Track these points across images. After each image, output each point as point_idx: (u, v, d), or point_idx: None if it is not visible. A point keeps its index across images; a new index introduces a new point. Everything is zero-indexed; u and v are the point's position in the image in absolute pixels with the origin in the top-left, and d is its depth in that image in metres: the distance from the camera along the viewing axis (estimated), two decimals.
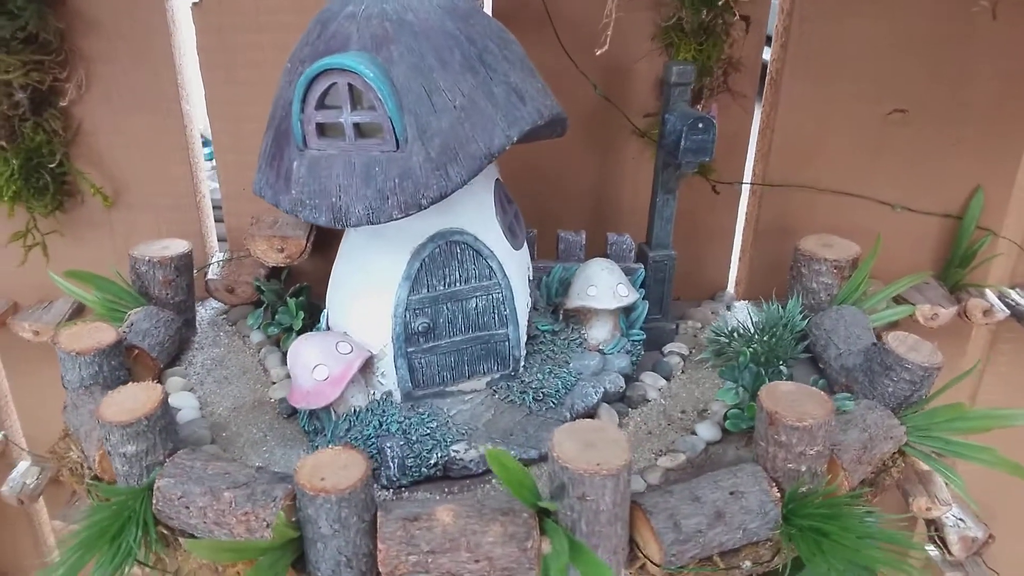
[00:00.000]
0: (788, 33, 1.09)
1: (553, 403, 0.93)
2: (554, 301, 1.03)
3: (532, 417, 0.92)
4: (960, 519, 1.35)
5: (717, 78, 1.09)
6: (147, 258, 1.04)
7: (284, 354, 1.00)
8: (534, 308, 1.00)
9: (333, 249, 0.94)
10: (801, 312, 1.04)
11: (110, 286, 1.05)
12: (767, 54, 1.13)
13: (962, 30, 1.08)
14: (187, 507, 0.77)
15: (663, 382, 1.02)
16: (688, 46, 1.04)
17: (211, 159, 1.20)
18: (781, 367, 0.97)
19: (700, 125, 0.93)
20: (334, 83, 0.74)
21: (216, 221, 1.26)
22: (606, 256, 1.04)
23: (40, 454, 1.29)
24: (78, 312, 1.20)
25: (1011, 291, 1.22)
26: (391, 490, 0.86)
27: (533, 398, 0.93)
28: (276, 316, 1.08)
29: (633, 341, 1.02)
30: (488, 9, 1.09)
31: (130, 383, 0.84)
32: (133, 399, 0.81)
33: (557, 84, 1.07)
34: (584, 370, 0.97)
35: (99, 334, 0.93)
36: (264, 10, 1.06)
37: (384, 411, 0.89)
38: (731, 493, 0.76)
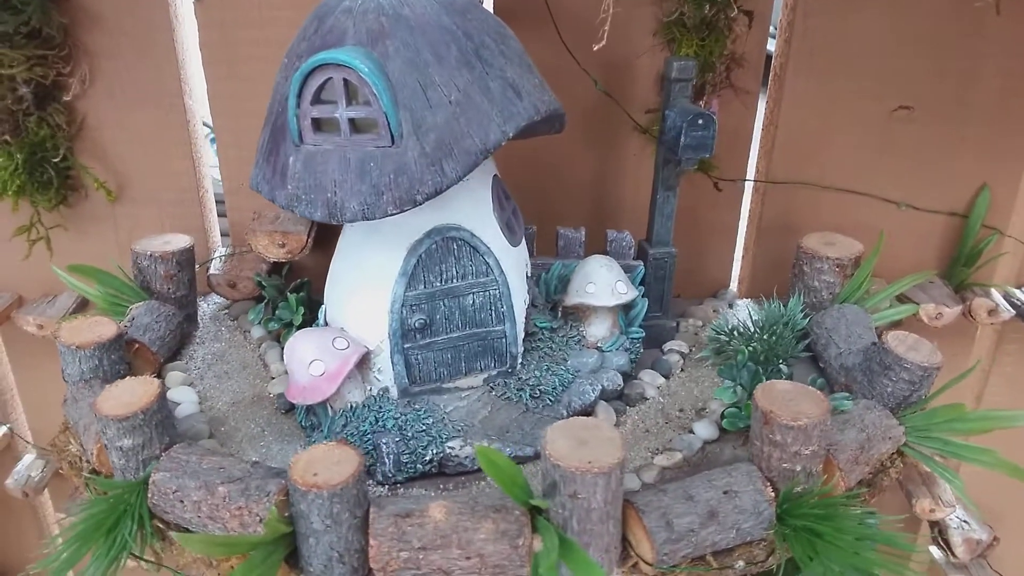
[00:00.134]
0: (792, 29, 1.09)
1: (550, 400, 0.93)
2: (553, 298, 1.02)
3: (528, 414, 0.91)
4: (964, 521, 1.34)
5: (720, 74, 1.08)
6: (149, 253, 1.04)
7: (284, 349, 1.00)
8: (533, 305, 1.00)
9: (334, 244, 0.94)
10: (802, 311, 1.03)
11: (112, 280, 1.06)
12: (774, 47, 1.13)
13: (968, 26, 1.07)
14: (182, 501, 0.77)
15: (662, 380, 1.02)
16: (690, 41, 1.04)
17: (214, 143, 1.20)
18: (781, 366, 0.96)
19: (700, 121, 0.93)
20: (329, 78, 0.74)
21: (220, 216, 1.26)
22: (606, 253, 1.03)
23: (45, 447, 1.29)
24: (82, 306, 1.21)
25: (1016, 291, 1.21)
26: (387, 486, 0.86)
27: (530, 395, 0.92)
28: (276, 311, 1.09)
29: (632, 339, 1.02)
30: (490, 4, 1.09)
31: (128, 377, 0.84)
32: (130, 393, 0.81)
33: (558, 80, 1.06)
34: (582, 367, 0.97)
35: (99, 328, 0.93)
36: (266, 5, 1.06)
37: (380, 407, 0.89)
38: (725, 492, 0.76)
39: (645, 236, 1.08)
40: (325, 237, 1.11)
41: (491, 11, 1.07)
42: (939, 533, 1.35)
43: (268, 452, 0.91)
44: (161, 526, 0.80)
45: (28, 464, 1.32)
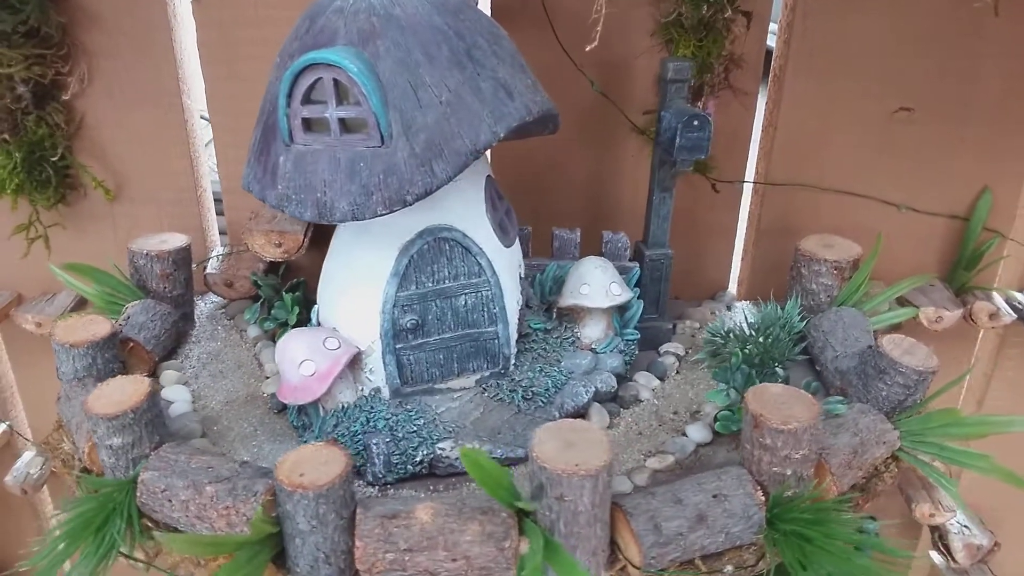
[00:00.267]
0: (791, 29, 1.08)
1: (542, 402, 0.92)
2: (548, 299, 1.02)
3: (521, 416, 0.91)
4: (965, 526, 1.33)
5: (718, 75, 1.08)
6: (145, 252, 1.04)
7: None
8: (527, 306, 1.00)
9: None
10: (800, 313, 1.03)
11: (108, 279, 1.06)
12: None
13: (969, 27, 1.06)
14: (170, 500, 0.78)
15: (657, 382, 1.01)
16: (688, 42, 1.03)
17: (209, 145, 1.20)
18: (777, 369, 0.96)
19: (695, 122, 0.92)
20: (319, 78, 0.74)
21: (219, 215, 1.26)
22: (601, 255, 1.03)
23: (43, 444, 1.30)
24: (81, 305, 1.21)
25: (1018, 294, 1.20)
26: (377, 487, 0.86)
27: (522, 397, 0.92)
28: (272, 311, 1.09)
29: (627, 340, 1.01)
30: (488, 4, 1.08)
31: (119, 376, 0.84)
32: (121, 392, 0.81)
33: (556, 81, 1.06)
34: (576, 369, 0.96)
35: (93, 327, 0.93)
36: (263, 5, 1.06)
37: (372, 407, 0.89)
38: (714, 496, 0.75)
39: (642, 238, 1.07)
40: (321, 237, 1.11)
41: (488, 11, 1.07)
42: (939, 538, 1.34)
43: (260, 452, 0.91)
44: (150, 525, 0.80)
45: (27, 461, 1.32)
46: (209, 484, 0.77)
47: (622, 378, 0.99)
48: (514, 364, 0.95)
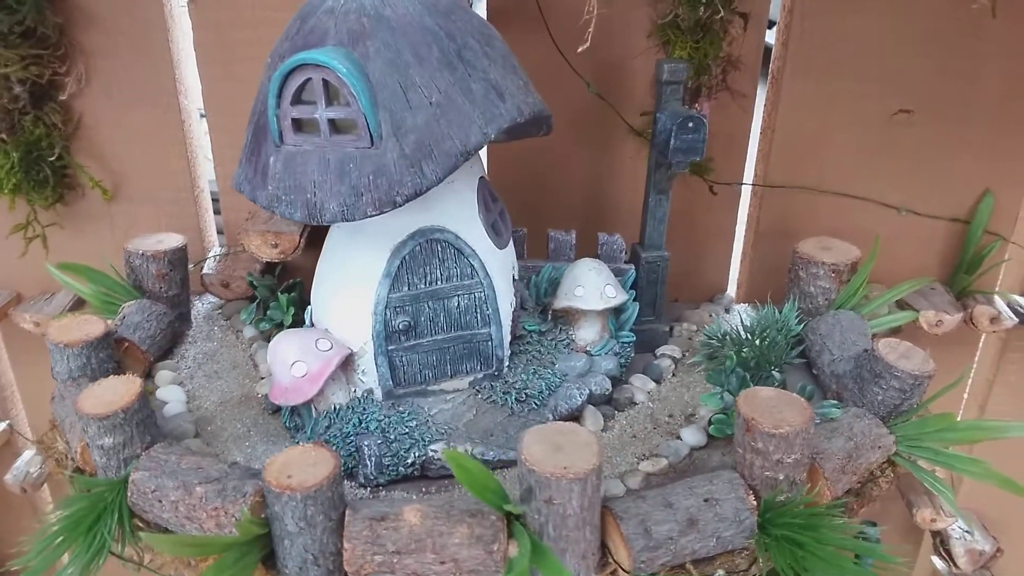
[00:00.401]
0: (789, 30, 1.07)
1: (536, 404, 0.92)
2: (543, 301, 1.01)
3: (514, 418, 0.91)
4: (967, 531, 1.32)
5: (715, 76, 1.07)
6: (141, 252, 1.05)
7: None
8: (522, 308, 0.99)
9: None
10: (797, 316, 1.02)
11: (104, 279, 1.06)
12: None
13: (969, 27, 1.05)
14: (160, 501, 0.77)
15: (652, 385, 1.01)
16: (684, 44, 1.03)
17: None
18: (774, 372, 0.95)
19: (690, 124, 0.92)
20: (309, 78, 0.74)
21: (217, 214, 1.26)
22: (597, 257, 1.02)
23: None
24: (79, 305, 1.21)
25: (1020, 298, 1.18)
26: (368, 488, 0.86)
27: (516, 399, 0.92)
28: (268, 312, 1.08)
29: (622, 343, 1.01)
30: (484, 5, 1.08)
31: (111, 376, 0.84)
32: (112, 392, 0.81)
33: (554, 82, 1.06)
34: (570, 371, 0.96)
35: (88, 326, 0.93)
36: (260, 6, 1.06)
37: (364, 409, 0.89)
38: (705, 500, 0.75)
39: (639, 240, 1.07)
40: (318, 238, 1.10)
41: (484, 13, 1.07)
42: (941, 543, 1.33)
43: (253, 452, 0.91)
44: (141, 525, 0.80)
45: (27, 460, 1.32)
46: (199, 485, 0.77)
47: (617, 381, 0.99)
48: (508, 366, 0.94)
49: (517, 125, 0.82)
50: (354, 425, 0.87)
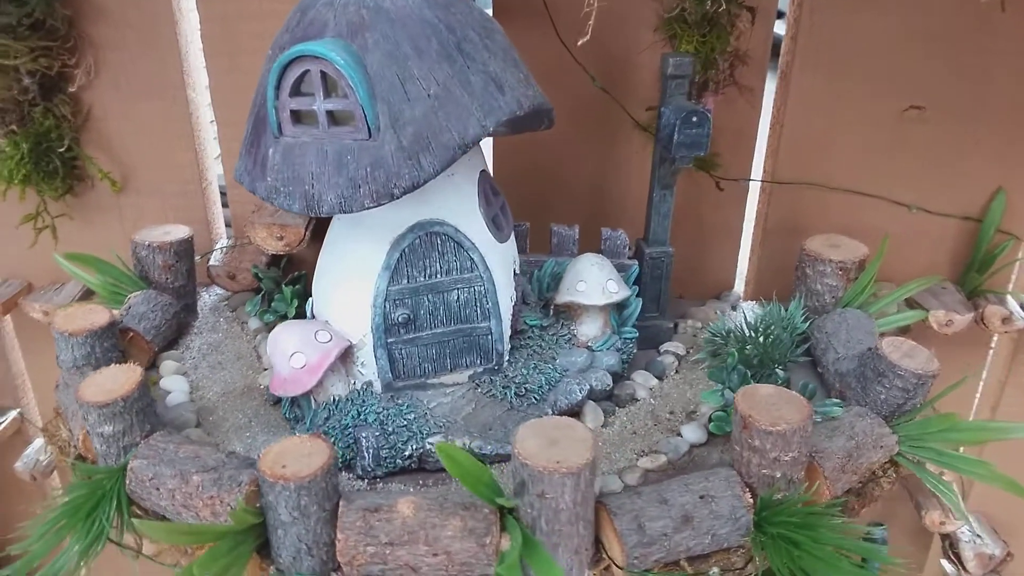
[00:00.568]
0: (798, 25, 1.06)
1: (535, 399, 0.92)
2: (545, 296, 1.01)
3: (513, 412, 0.90)
4: (977, 535, 1.30)
5: (723, 71, 1.06)
6: (147, 243, 1.05)
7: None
8: (524, 302, 0.99)
9: None
10: (804, 314, 1.01)
11: (111, 269, 1.07)
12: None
13: (983, 24, 1.03)
14: (157, 489, 0.78)
15: (655, 381, 1.00)
16: (691, 37, 1.02)
17: None
18: (778, 370, 0.94)
19: (694, 119, 0.91)
20: (307, 70, 0.74)
21: (224, 207, 1.27)
22: (600, 252, 1.02)
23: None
24: (88, 295, 1.22)
25: None
26: (366, 480, 0.86)
27: (515, 393, 0.91)
28: (272, 303, 1.09)
29: (625, 339, 1.00)
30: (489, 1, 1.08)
31: (113, 364, 0.85)
32: (112, 380, 0.82)
33: (560, 76, 1.06)
34: (571, 366, 0.95)
35: (93, 316, 0.94)
36: None
37: (363, 401, 0.89)
38: (701, 497, 0.74)
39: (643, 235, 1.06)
40: (323, 230, 1.10)
41: (491, 6, 1.07)
42: (950, 546, 1.32)
43: (253, 443, 0.91)
44: (139, 513, 0.81)
45: (37, 448, 1.34)
46: (196, 473, 0.77)
47: (619, 377, 0.98)
48: (508, 360, 0.94)
49: (517, 118, 0.81)
50: (353, 417, 0.87)
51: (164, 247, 1.06)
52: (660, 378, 1.01)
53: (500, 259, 0.90)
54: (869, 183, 1.14)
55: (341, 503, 0.73)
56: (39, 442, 1.35)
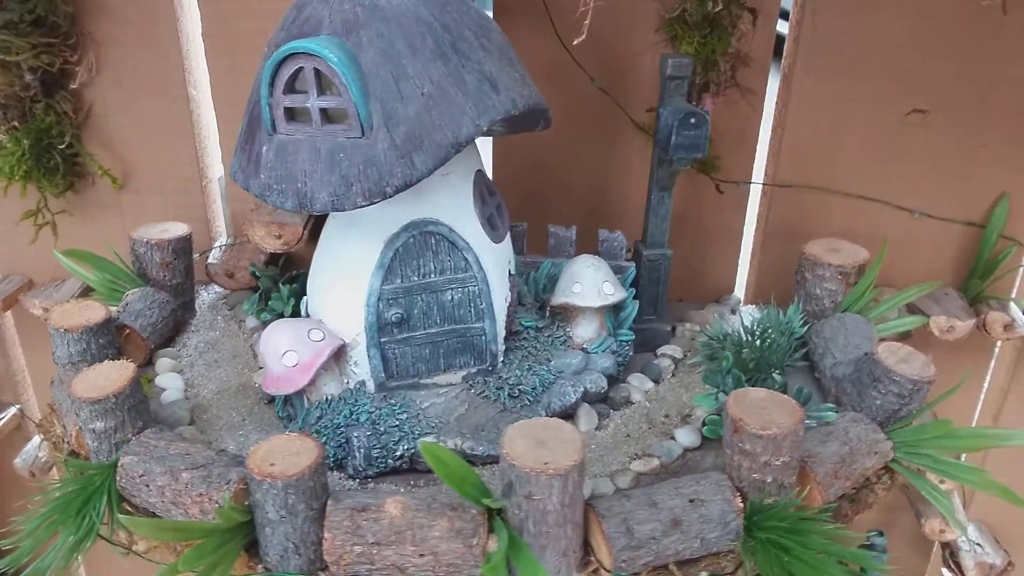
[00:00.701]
0: (800, 26, 1.05)
1: (529, 400, 0.91)
2: (542, 297, 1.01)
3: (506, 414, 0.90)
4: (977, 544, 1.29)
5: (724, 73, 1.06)
6: (145, 240, 1.05)
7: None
8: (520, 303, 0.99)
9: None
10: (802, 318, 1.00)
11: (109, 266, 1.07)
12: None
13: (987, 27, 1.03)
14: (147, 485, 0.78)
15: (651, 385, 1.00)
16: (691, 39, 1.01)
17: None
18: (775, 375, 0.93)
19: (692, 120, 0.90)
20: (301, 67, 0.74)
21: None
22: (597, 253, 1.01)
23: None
24: (88, 291, 1.22)
25: None
26: (357, 480, 0.86)
27: (509, 394, 0.91)
28: (269, 302, 1.09)
29: (621, 341, 1.00)
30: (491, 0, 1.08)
31: (106, 361, 0.85)
32: (105, 377, 0.82)
33: (562, 77, 1.06)
34: (565, 368, 0.95)
35: (88, 312, 0.94)
36: None
37: (356, 400, 0.88)
38: (691, 501, 0.74)
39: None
40: (322, 229, 1.11)
41: (492, 6, 1.07)
42: (950, 555, 1.30)
43: (246, 441, 0.91)
44: (130, 510, 0.81)
45: (36, 444, 1.34)
46: (185, 471, 0.77)
47: (614, 379, 0.98)
48: (503, 361, 0.94)
49: (513, 118, 0.81)
50: (345, 416, 0.87)
51: (162, 244, 1.06)
52: (656, 381, 1.00)
53: (495, 259, 0.89)
54: (871, 187, 1.13)
55: (329, 502, 0.73)
56: (38, 438, 1.36)
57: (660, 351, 1.06)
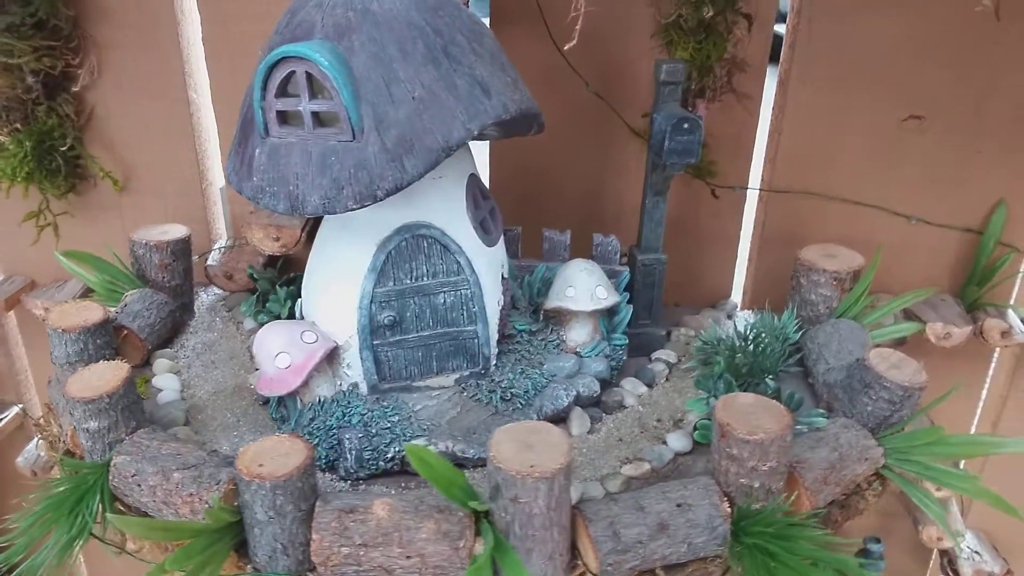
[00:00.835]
0: (796, 32, 1.05)
1: (521, 404, 0.91)
2: (536, 301, 1.01)
3: (498, 417, 0.90)
4: (976, 552, 1.28)
5: (720, 78, 1.06)
6: (144, 242, 1.06)
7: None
8: (514, 307, 0.99)
9: None
10: (797, 324, 1.00)
11: (108, 268, 1.08)
12: None
13: (983, 34, 1.02)
14: (139, 485, 0.79)
15: (644, 389, 1.00)
16: (686, 44, 1.01)
17: None
18: (768, 380, 0.93)
19: (685, 125, 0.91)
20: (293, 71, 0.75)
21: None
22: (592, 258, 1.02)
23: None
24: (89, 292, 1.24)
25: None
26: (349, 482, 0.86)
27: (501, 398, 0.91)
28: (267, 304, 1.10)
29: (614, 345, 1.00)
30: (486, 5, 1.08)
31: (101, 361, 0.86)
32: (99, 377, 0.83)
33: (559, 82, 1.06)
34: (558, 372, 0.95)
35: (86, 313, 0.95)
36: (268, 1, 1.07)
37: (349, 403, 0.89)
38: (678, 505, 0.74)
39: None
40: None
41: (488, 11, 1.07)
42: (948, 563, 1.30)
43: (240, 442, 0.91)
44: (122, 509, 0.82)
45: (38, 444, 1.35)
46: (176, 471, 0.78)
47: (607, 383, 0.98)
48: (496, 365, 0.94)
49: (505, 122, 0.82)
50: (337, 418, 0.87)
51: (161, 246, 1.06)
52: (650, 386, 1.00)
53: (487, 263, 0.90)
54: (868, 193, 1.13)
55: (318, 503, 0.73)
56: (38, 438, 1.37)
57: (655, 355, 1.06)
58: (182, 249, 1.09)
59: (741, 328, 0.95)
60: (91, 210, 1.21)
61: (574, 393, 0.93)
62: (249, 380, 1.01)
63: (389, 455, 0.85)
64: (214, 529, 0.73)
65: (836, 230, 1.14)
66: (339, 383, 0.91)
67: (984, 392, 1.28)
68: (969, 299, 1.15)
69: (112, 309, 1.02)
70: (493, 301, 0.91)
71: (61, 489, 0.81)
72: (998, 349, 1.24)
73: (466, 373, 0.93)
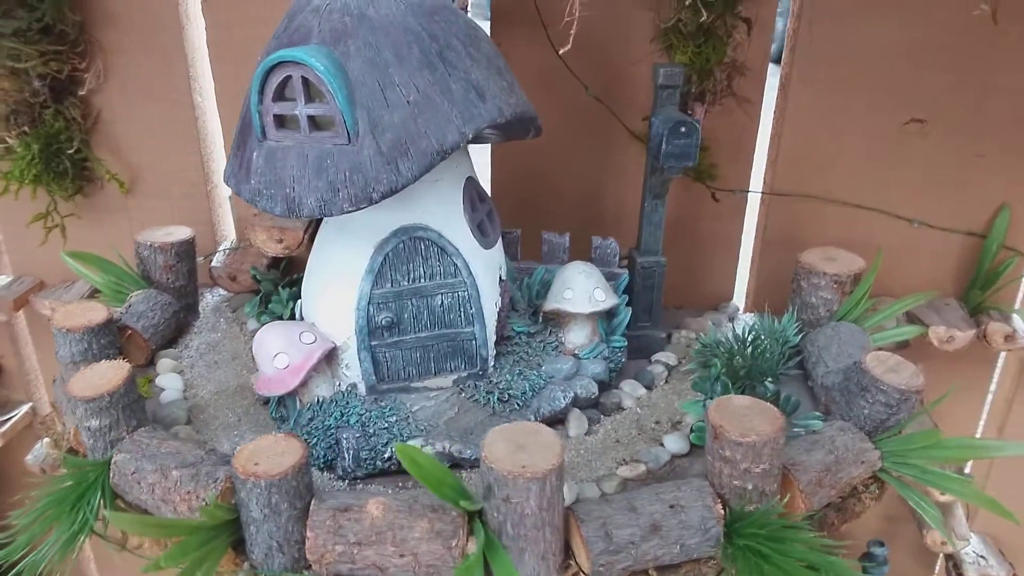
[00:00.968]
0: (797, 36, 1.05)
1: (518, 405, 0.92)
2: (534, 303, 1.01)
3: (495, 418, 0.91)
4: (981, 556, 1.28)
5: (720, 82, 1.06)
6: (149, 243, 1.08)
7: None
8: (513, 309, 1.00)
9: None
10: (798, 327, 1.00)
11: (113, 269, 1.09)
12: None
13: (984, 37, 1.02)
14: (139, 483, 0.80)
15: (643, 391, 1.00)
16: (685, 48, 1.02)
17: None
18: (767, 383, 0.93)
19: (683, 129, 0.91)
20: (289, 76, 0.76)
21: None
22: (590, 260, 1.02)
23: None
24: (96, 293, 1.25)
25: None
26: (347, 481, 0.87)
27: (498, 399, 0.92)
28: (269, 305, 1.11)
29: (613, 347, 1.00)
30: (487, 8, 1.09)
31: (103, 361, 0.87)
32: (101, 376, 0.84)
33: (559, 86, 1.07)
34: (556, 374, 0.95)
35: (91, 313, 0.96)
36: (270, 5, 1.09)
37: (347, 403, 0.90)
38: (671, 506, 0.74)
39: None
40: None
41: (488, 15, 1.08)
42: (953, 567, 1.29)
43: (241, 441, 0.91)
44: (123, 506, 0.83)
45: (47, 442, 1.37)
46: (175, 469, 0.79)
47: (606, 385, 0.98)
48: (494, 366, 0.95)
49: (501, 125, 0.82)
50: (336, 418, 0.88)
51: (165, 248, 1.08)
52: (649, 388, 1.01)
53: (485, 265, 0.90)
54: (870, 196, 1.13)
55: (313, 502, 0.74)
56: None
57: (654, 358, 1.06)
58: (186, 251, 1.10)
59: (739, 331, 0.95)
60: (98, 212, 1.23)
61: (571, 395, 0.93)
62: (251, 380, 1.02)
63: (386, 455, 0.86)
64: (210, 526, 0.74)
65: (838, 233, 1.14)
66: (338, 384, 0.92)
67: (989, 396, 1.27)
68: (973, 303, 1.14)
69: (117, 310, 1.03)
70: (490, 303, 0.92)
71: (63, 486, 0.83)
72: (1003, 353, 1.23)
73: (464, 374, 0.93)
